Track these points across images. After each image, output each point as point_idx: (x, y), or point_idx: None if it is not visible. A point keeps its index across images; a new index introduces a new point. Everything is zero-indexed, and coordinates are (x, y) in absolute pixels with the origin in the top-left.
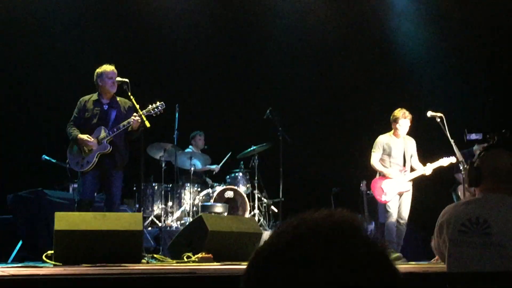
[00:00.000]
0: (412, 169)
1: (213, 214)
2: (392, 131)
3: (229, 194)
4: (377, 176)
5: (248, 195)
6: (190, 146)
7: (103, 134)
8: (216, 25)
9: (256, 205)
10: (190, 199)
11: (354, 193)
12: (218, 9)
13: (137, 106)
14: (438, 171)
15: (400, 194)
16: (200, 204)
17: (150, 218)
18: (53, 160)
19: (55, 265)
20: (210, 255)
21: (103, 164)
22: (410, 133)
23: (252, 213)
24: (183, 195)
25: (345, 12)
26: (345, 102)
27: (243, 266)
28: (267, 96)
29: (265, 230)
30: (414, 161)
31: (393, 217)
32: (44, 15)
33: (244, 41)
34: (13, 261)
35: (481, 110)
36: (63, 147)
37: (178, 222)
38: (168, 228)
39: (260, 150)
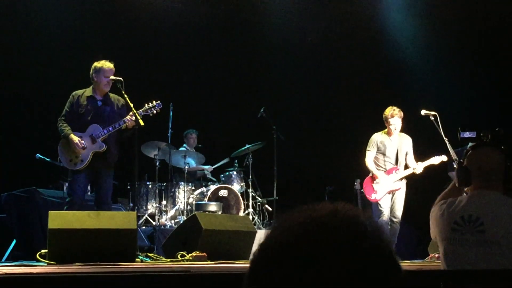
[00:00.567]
0: (406, 167)
1: (207, 212)
2: (386, 129)
3: (223, 192)
4: (370, 175)
5: (242, 194)
6: (184, 145)
7: (98, 132)
8: (210, 24)
9: (250, 204)
10: (184, 197)
11: (348, 192)
12: (212, 8)
13: (131, 105)
14: (432, 170)
15: (391, 193)
16: (194, 202)
17: (144, 217)
18: (47, 159)
19: (49, 264)
20: (204, 253)
21: (95, 163)
22: (405, 131)
23: (246, 211)
24: (177, 193)
25: (339, 11)
26: (339, 101)
27: (237, 264)
28: (261, 95)
29: (259, 228)
30: (410, 159)
31: (385, 216)
32: (38, 13)
33: (238, 40)
34: (7, 260)
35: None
36: (57, 146)
37: (172, 221)
38: (162, 227)
39: (254, 148)
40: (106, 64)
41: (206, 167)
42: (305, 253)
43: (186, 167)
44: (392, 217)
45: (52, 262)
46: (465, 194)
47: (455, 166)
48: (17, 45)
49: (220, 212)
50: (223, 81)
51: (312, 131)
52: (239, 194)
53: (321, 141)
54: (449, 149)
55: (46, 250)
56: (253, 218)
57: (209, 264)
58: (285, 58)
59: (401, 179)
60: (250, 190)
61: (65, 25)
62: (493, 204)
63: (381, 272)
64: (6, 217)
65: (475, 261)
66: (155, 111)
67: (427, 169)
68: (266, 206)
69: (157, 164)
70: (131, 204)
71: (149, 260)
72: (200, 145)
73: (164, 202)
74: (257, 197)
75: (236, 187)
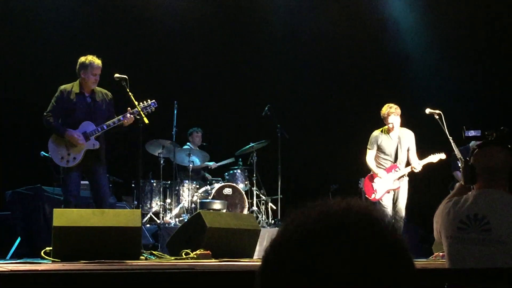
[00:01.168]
0: (408, 163)
1: (211, 211)
2: (386, 126)
3: (228, 191)
4: (369, 174)
5: (246, 192)
6: (188, 143)
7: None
8: (214, 22)
9: (254, 202)
10: (188, 196)
11: (352, 190)
12: (216, 6)
13: (136, 103)
14: (436, 169)
15: (390, 192)
16: (198, 201)
17: (148, 215)
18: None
19: (53, 262)
20: (208, 251)
21: (87, 160)
22: (409, 128)
23: (251, 210)
24: (181, 192)
25: (343, 9)
26: (343, 99)
27: (242, 262)
28: (265, 93)
29: (264, 227)
30: (412, 155)
31: (388, 214)
32: (44, 11)
33: (242, 38)
34: (12, 258)
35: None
36: None
37: (177, 219)
38: (167, 225)
39: (259, 147)
40: (95, 61)
41: (210, 163)
42: (319, 250)
43: (191, 165)
44: (395, 215)
45: (57, 260)
46: (470, 193)
47: (459, 165)
48: (21, 43)
49: (224, 210)
50: (228, 79)
51: (317, 129)
52: (244, 193)
53: (326, 139)
54: (454, 148)
55: (51, 248)
56: (257, 217)
57: (213, 262)
58: (290, 56)
59: (400, 178)
60: (254, 188)
61: (70, 23)
62: (499, 203)
63: (395, 269)
64: (10, 215)
65: (480, 260)
66: (150, 110)
67: (431, 168)
68: (271, 204)
69: (162, 162)
70: (136, 202)
71: (153, 258)
72: (204, 143)
73: (168, 200)
74: (261, 195)
75: (241, 185)
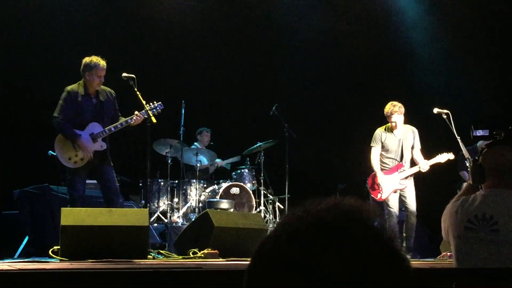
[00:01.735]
0: (413, 161)
1: (219, 210)
2: (389, 124)
3: (235, 190)
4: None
5: (254, 192)
6: (195, 143)
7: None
8: (222, 22)
9: (262, 202)
10: (196, 195)
11: (360, 189)
12: (224, 5)
13: (144, 102)
14: (443, 169)
15: (396, 191)
16: (206, 200)
17: (156, 214)
18: None
19: (61, 261)
20: (216, 251)
21: (94, 160)
22: (416, 128)
23: (258, 209)
24: (189, 191)
25: (352, 8)
26: (351, 98)
27: (249, 262)
28: (273, 93)
29: (271, 226)
30: (416, 153)
31: (395, 216)
32: (49, 10)
33: (250, 37)
34: (19, 257)
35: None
36: None
37: (184, 218)
38: (174, 224)
39: (266, 146)
40: (100, 63)
41: (217, 160)
42: (298, 249)
43: (198, 164)
44: (407, 211)
45: (65, 259)
46: (478, 192)
47: (467, 164)
48: (31, 43)
49: (232, 210)
50: (235, 79)
51: (324, 128)
52: (251, 192)
53: (333, 138)
54: (462, 148)
55: (59, 247)
56: (264, 216)
57: (220, 261)
58: (297, 55)
59: (407, 177)
60: (261, 188)
61: (77, 22)
62: (507, 203)
63: (385, 269)
64: (18, 214)
65: (488, 260)
66: (156, 112)
67: (438, 168)
68: (278, 204)
69: (169, 161)
70: (143, 201)
71: (161, 257)
72: (212, 143)
73: (176, 200)
74: (268, 195)
75: (248, 184)
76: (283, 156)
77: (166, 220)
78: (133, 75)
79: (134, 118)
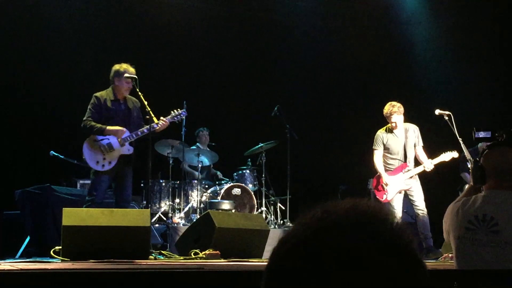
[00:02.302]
0: (416, 160)
1: (220, 211)
2: (389, 125)
3: (237, 191)
4: (378, 174)
5: (255, 192)
6: (197, 143)
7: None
8: (224, 22)
9: (263, 202)
10: (197, 196)
11: (361, 191)
12: (226, 6)
13: (145, 103)
14: (444, 170)
15: (401, 192)
16: (207, 201)
17: (157, 215)
18: (61, 156)
19: (63, 261)
20: (217, 251)
21: (120, 164)
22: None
23: (259, 210)
24: (190, 192)
25: (354, 9)
26: (353, 100)
27: (251, 263)
28: (275, 94)
29: (273, 227)
30: (419, 151)
31: (398, 217)
32: (53, 9)
33: (252, 38)
34: (21, 257)
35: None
36: (71, 143)
37: (186, 219)
38: (176, 224)
39: (268, 147)
40: (130, 69)
41: (218, 172)
42: (320, 248)
43: (200, 165)
44: (416, 210)
45: (66, 259)
46: (479, 194)
47: (469, 166)
48: (32, 44)
49: (233, 211)
50: (237, 80)
51: (326, 129)
52: (252, 193)
53: (335, 139)
54: (463, 149)
55: (60, 247)
56: (266, 217)
57: (222, 262)
58: (299, 56)
59: (411, 177)
60: (263, 188)
61: (80, 24)
62: (508, 204)
63: (402, 270)
64: (20, 214)
65: (488, 260)
66: (180, 119)
67: (440, 169)
68: (279, 204)
69: (171, 162)
70: (145, 202)
71: (162, 258)
72: (213, 143)
73: (177, 200)
74: (270, 195)
75: (249, 185)
76: (284, 157)
77: (167, 221)
78: (135, 76)
79: (160, 123)
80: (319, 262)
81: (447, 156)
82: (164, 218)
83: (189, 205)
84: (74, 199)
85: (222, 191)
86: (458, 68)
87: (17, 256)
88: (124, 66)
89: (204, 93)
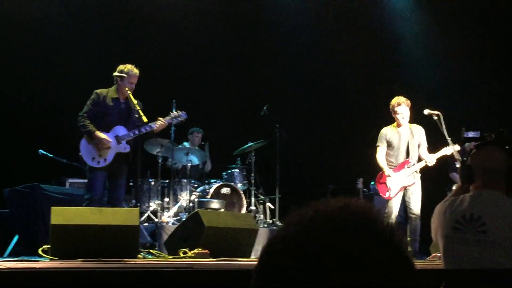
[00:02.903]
0: (420, 159)
1: (209, 210)
2: (395, 122)
3: (226, 190)
4: (381, 172)
5: (244, 192)
6: (186, 142)
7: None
8: (213, 22)
9: (252, 202)
10: (186, 195)
11: (350, 190)
12: (216, 5)
13: (135, 102)
14: (433, 170)
15: (404, 189)
16: (196, 200)
17: (146, 214)
18: (50, 155)
19: (51, 260)
20: (206, 250)
21: (116, 162)
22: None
23: (249, 209)
24: (179, 191)
25: (343, 8)
26: (342, 99)
27: (240, 262)
28: (264, 93)
29: (262, 226)
30: (423, 150)
31: (394, 215)
32: (42, 9)
33: (241, 38)
34: (9, 256)
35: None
36: (60, 141)
37: (175, 218)
38: (165, 224)
39: (257, 146)
40: (133, 70)
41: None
42: (311, 248)
43: (189, 164)
44: (410, 213)
45: (55, 258)
46: (467, 193)
47: (458, 166)
48: (21, 42)
49: (222, 210)
50: (226, 79)
51: (315, 129)
52: (242, 192)
53: (324, 139)
54: (453, 149)
55: (49, 246)
56: (255, 216)
57: (211, 261)
58: (288, 55)
59: (414, 173)
60: (252, 188)
61: (69, 23)
62: (495, 204)
63: (392, 269)
64: (8, 213)
65: (476, 260)
66: (180, 121)
67: (428, 169)
68: (269, 204)
69: (160, 161)
70: (134, 201)
71: (151, 257)
72: (203, 143)
73: (166, 199)
74: (259, 195)
75: (239, 185)
76: (274, 156)
77: (156, 220)
78: (124, 75)
79: (158, 123)
80: (311, 261)
81: (449, 150)
82: (153, 217)
83: (178, 204)
84: (63, 198)
85: (211, 190)
86: (447, 67)
87: (5, 255)
88: (128, 67)
89: (193, 92)
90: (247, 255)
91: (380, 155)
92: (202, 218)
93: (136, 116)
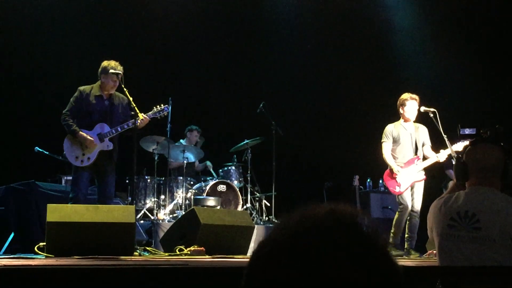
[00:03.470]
0: (424, 158)
1: (205, 207)
2: (401, 119)
3: (222, 187)
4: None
5: (240, 189)
6: (181, 140)
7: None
8: (210, 19)
9: (248, 199)
10: (182, 192)
11: (347, 188)
12: (212, 3)
13: (131, 99)
14: (429, 168)
15: (413, 185)
16: (192, 197)
17: (142, 211)
18: (46, 152)
19: (47, 257)
20: (202, 248)
21: (100, 160)
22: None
23: (245, 207)
24: (175, 188)
25: (340, 6)
26: (338, 97)
27: (235, 259)
28: (260, 90)
29: (258, 224)
30: (427, 149)
31: (408, 209)
32: (38, 6)
33: (237, 35)
34: (5, 253)
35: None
36: (56, 139)
37: (171, 215)
38: (161, 221)
39: (253, 144)
40: (116, 67)
41: (208, 163)
42: (298, 252)
43: (185, 161)
44: (411, 211)
45: (50, 255)
46: (462, 190)
47: (453, 163)
48: (17, 39)
49: (218, 207)
50: (223, 76)
51: (311, 126)
52: (238, 189)
53: (320, 136)
54: (448, 146)
55: (44, 243)
56: (251, 213)
57: (207, 258)
58: (284, 53)
59: (422, 170)
60: (248, 185)
61: (64, 20)
62: (489, 201)
63: (375, 273)
64: (4, 210)
65: (470, 257)
66: (163, 115)
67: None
68: (265, 201)
69: (156, 158)
70: (130, 198)
71: (147, 254)
72: (199, 140)
73: (162, 197)
74: (255, 192)
75: (235, 182)
76: (270, 153)
77: (152, 217)
78: (119, 72)
79: (139, 120)
80: (298, 265)
81: (460, 146)
82: (149, 215)
83: (174, 202)
84: (59, 195)
85: (208, 187)
86: (443, 64)
87: (1, 252)
88: (112, 64)
89: (189, 89)
90: (243, 252)
91: (386, 151)
92: (198, 215)
93: (132, 113)
